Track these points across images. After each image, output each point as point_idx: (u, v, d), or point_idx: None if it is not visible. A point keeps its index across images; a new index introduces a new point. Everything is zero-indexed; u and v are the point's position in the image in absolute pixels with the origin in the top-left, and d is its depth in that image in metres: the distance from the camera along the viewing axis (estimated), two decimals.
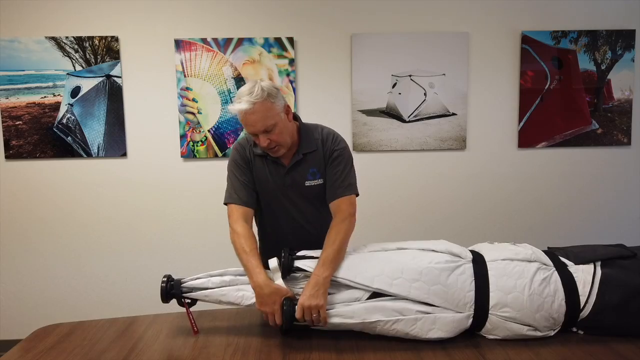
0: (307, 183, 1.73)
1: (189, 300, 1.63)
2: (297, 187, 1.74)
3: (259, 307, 1.54)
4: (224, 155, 2.96)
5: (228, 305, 1.58)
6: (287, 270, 1.56)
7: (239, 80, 2.93)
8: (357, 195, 1.74)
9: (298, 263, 1.57)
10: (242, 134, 1.74)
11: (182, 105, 2.94)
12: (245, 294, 1.57)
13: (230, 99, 2.94)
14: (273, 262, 1.59)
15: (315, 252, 1.64)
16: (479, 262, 1.54)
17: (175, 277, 1.65)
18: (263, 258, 1.66)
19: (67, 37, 2.86)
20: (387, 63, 2.96)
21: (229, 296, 1.57)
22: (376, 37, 2.94)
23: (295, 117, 1.79)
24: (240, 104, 1.59)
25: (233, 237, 1.67)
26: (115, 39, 2.89)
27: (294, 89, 2.95)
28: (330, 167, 1.72)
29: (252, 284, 1.56)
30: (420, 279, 1.48)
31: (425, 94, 2.99)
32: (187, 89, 2.93)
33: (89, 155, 2.95)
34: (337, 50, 2.96)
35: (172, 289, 1.61)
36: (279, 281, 1.55)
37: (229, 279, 1.61)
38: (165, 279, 1.62)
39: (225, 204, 1.75)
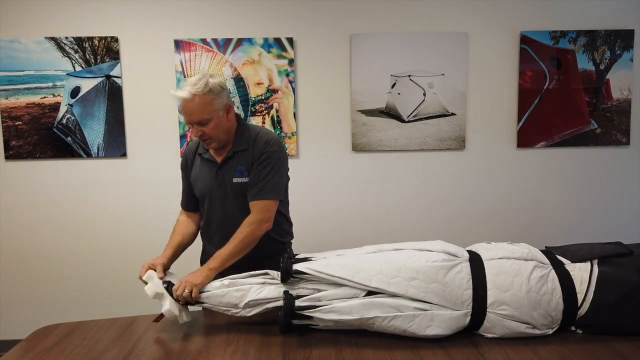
0: (235, 180, 1.78)
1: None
2: (227, 184, 1.79)
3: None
4: None
5: (227, 307, 1.58)
6: (286, 275, 1.57)
7: (239, 81, 2.93)
8: (279, 199, 1.79)
9: (297, 266, 1.58)
10: (195, 138, 1.84)
11: None
12: (244, 293, 1.57)
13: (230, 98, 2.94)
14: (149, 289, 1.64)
15: (314, 255, 1.65)
16: (475, 260, 1.55)
17: (175, 281, 1.67)
18: (206, 253, 1.90)
19: (66, 38, 2.87)
20: (387, 63, 2.96)
21: (229, 296, 1.58)
22: (375, 37, 2.94)
23: (238, 118, 1.86)
24: (181, 92, 1.68)
25: None
26: (115, 40, 2.89)
27: (293, 89, 2.96)
28: (255, 167, 1.77)
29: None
30: (417, 278, 1.49)
31: (424, 94, 2.99)
32: None
33: (89, 155, 2.95)
34: (337, 50, 2.96)
35: (172, 294, 1.61)
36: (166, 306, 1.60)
37: (228, 282, 1.62)
38: (165, 285, 1.63)
39: None
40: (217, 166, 1.81)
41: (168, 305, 1.58)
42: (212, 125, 1.71)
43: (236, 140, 1.80)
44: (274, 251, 1.81)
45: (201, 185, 1.86)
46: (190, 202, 1.96)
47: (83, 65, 2.90)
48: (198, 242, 2.00)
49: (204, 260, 1.94)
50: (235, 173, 1.78)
